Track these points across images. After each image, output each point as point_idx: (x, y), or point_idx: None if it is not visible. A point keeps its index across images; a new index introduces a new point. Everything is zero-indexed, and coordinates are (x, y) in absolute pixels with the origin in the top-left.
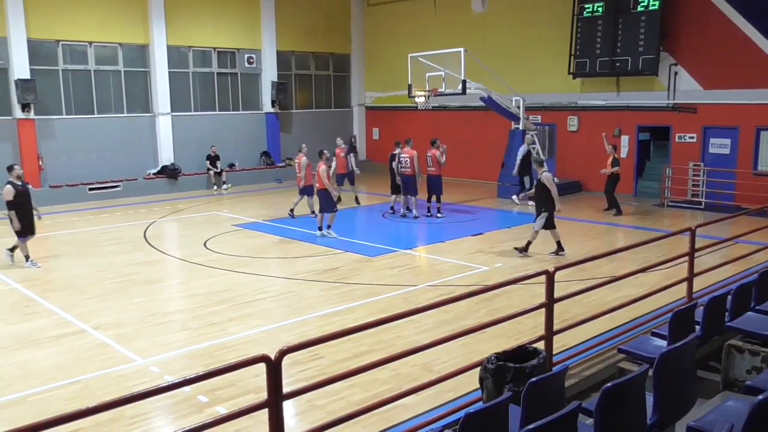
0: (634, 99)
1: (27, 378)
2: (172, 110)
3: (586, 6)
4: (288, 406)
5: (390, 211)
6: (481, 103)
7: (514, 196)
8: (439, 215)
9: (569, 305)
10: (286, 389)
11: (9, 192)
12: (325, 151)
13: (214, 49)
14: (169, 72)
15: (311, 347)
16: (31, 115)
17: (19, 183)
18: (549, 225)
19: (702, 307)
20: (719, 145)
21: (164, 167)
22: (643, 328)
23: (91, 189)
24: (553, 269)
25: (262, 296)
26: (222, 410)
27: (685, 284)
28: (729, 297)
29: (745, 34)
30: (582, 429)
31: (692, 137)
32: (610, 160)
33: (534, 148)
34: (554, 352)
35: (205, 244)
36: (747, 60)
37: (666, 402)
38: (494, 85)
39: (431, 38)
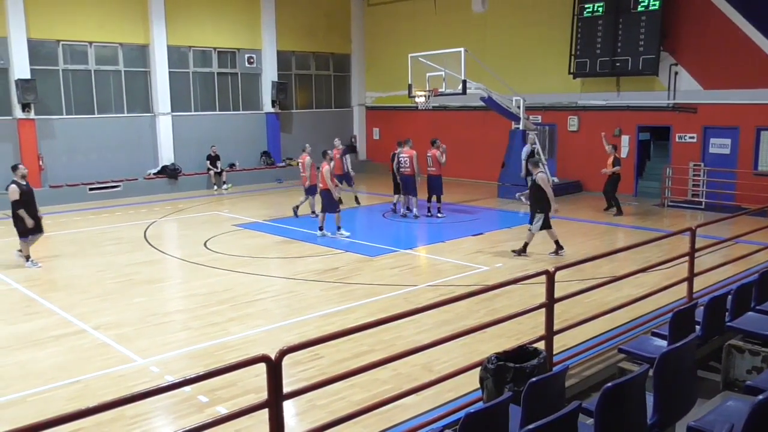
0: (635, 99)
1: (27, 378)
2: (173, 110)
3: (586, 6)
4: (288, 406)
5: (391, 211)
6: (481, 103)
7: (522, 197)
8: (439, 215)
9: (569, 305)
10: (286, 389)
11: (14, 191)
12: (329, 152)
13: (215, 49)
14: (170, 72)
15: (311, 347)
16: (32, 115)
17: (24, 182)
18: (545, 225)
19: (702, 307)
20: (719, 145)
21: (164, 167)
22: (643, 328)
23: (91, 189)
24: (553, 269)
25: (262, 296)
26: (222, 410)
27: (685, 284)
28: (729, 297)
29: (746, 34)
30: (582, 429)
31: (692, 137)
32: (610, 159)
33: (535, 148)
34: (554, 352)
35: (205, 244)
36: (747, 60)
37: (666, 402)
38: (494, 85)
39: (431, 38)
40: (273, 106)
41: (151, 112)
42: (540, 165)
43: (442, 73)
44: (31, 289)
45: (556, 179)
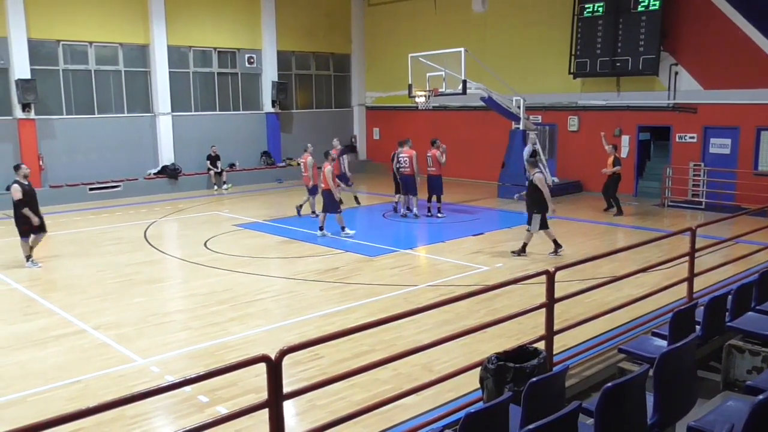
0: (635, 99)
1: (27, 378)
2: (173, 110)
3: (586, 6)
4: (288, 406)
5: (392, 211)
6: (482, 103)
7: (522, 198)
8: (439, 215)
9: (569, 305)
10: (286, 389)
11: (17, 191)
12: (332, 152)
13: (215, 49)
14: (170, 72)
15: (312, 347)
16: (32, 115)
17: (26, 182)
18: (542, 225)
19: (702, 307)
20: (719, 145)
21: (165, 167)
22: (643, 328)
23: (91, 189)
24: (553, 269)
25: (262, 296)
26: (222, 410)
27: (685, 284)
28: (729, 297)
29: (746, 34)
30: (582, 429)
31: (692, 137)
32: (611, 159)
33: (536, 148)
34: (554, 352)
35: (205, 244)
36: (747, 60)
37: (666, 402)
38: (494, 85)
39: (431, 38)
40: (273, 106)
41: (151, 112)
42: (537, 165)
43: (442, 73)
44: (31, 289)
45: (556, 179)
